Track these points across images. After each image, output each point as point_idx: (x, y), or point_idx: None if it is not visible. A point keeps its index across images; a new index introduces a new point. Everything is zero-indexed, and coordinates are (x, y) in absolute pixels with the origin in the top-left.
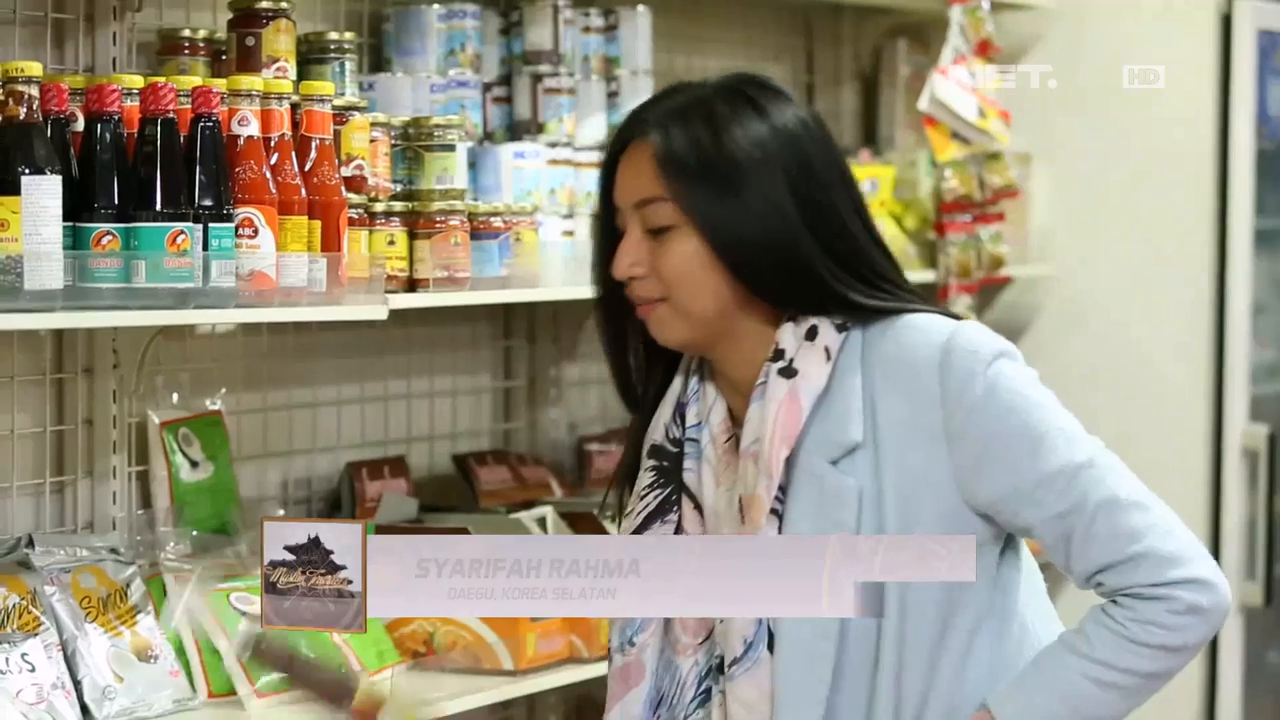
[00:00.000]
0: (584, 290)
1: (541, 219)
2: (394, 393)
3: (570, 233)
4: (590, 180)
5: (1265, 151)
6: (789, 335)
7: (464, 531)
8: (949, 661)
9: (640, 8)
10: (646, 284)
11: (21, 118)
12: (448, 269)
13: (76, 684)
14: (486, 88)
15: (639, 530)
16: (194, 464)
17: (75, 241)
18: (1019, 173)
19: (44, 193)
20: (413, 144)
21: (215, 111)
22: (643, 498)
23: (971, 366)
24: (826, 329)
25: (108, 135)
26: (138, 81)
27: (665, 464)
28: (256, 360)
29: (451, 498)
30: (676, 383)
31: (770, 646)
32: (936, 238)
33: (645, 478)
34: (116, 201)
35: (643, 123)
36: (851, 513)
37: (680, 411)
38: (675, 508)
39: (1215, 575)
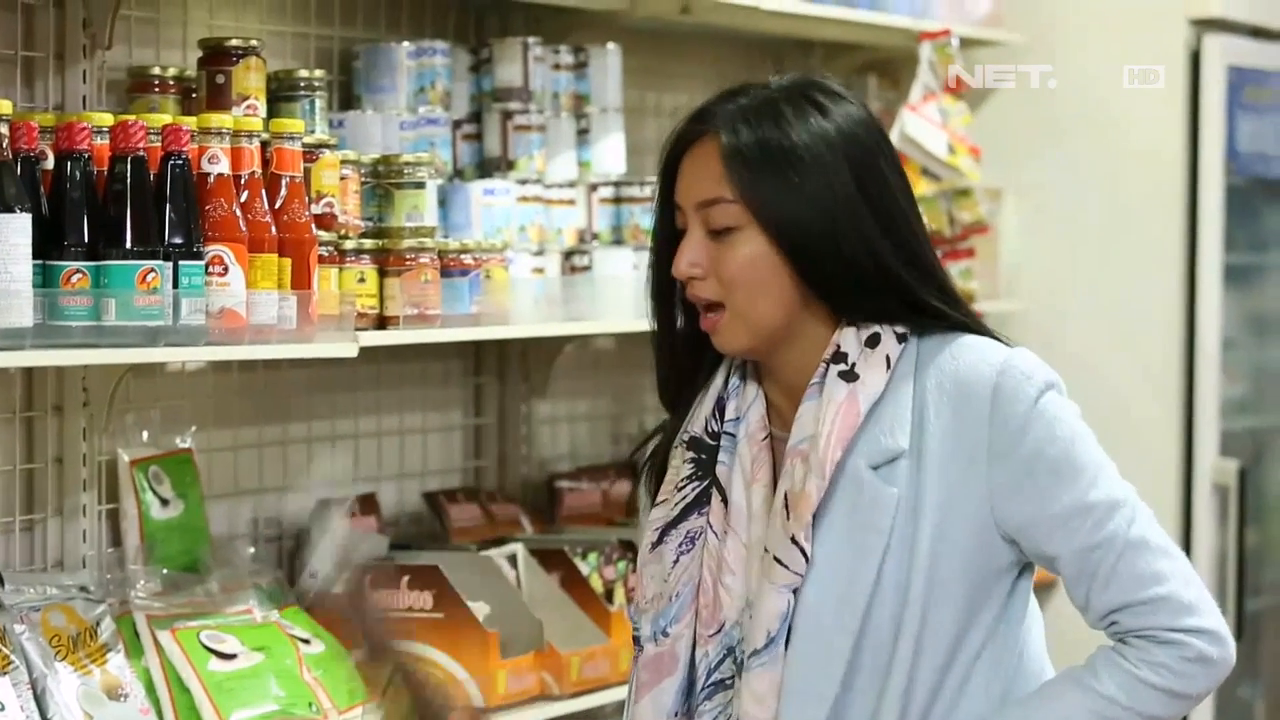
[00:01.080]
0: (554, 328)
1: (512, 256)
2: (364, 430)
3: (540, 270)
4: (560, 217)
5: (1235, 187)
6: (851, 339)
7: (435, 569)
8: (953, 683)
9: (610, 45)
10: (706, 285)
11: None
12: (418, 306)
13: None
14: (456, 125)
15: (676, 520)
16: (164, 502)
17: (45, 279)
18: (989, 209)
19: (13, 230)
20: (383, 181)
21: (185, 149)
22: (680, 489)
23: (1024, 390)
24: (889, 337)
25: (78, 173)
26: (108, 119)
27: (703, 456)
28: (227, 398)
29: (422, 535)
30: (719, 378)
31: (789, 643)
32: None
33: (685, 469)
34: (86, 239)
35: (709, 121)
36: (887, 519)
37: (720, 406)
38: (709, 500)
39: (1226, 632)
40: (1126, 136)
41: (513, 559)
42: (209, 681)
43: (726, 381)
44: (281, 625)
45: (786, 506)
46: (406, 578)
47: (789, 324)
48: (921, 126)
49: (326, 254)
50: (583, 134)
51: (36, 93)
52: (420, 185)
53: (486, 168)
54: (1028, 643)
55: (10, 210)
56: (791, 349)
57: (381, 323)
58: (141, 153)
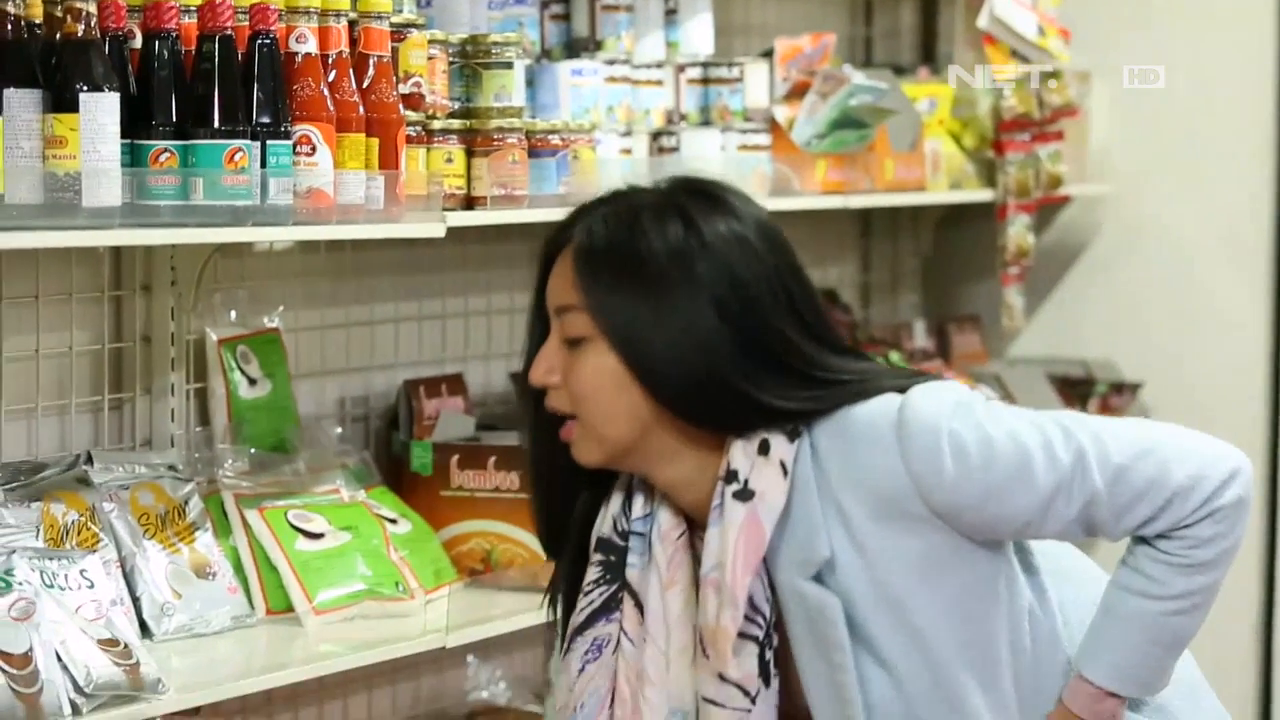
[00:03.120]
0: None
1: (599, 137)
2: (451, 311)
3: (628, 151)
4: (648, 98)
5: None
6: (740, 453)
7: (521, 450)
8: (1010, 656)
9: None
10: (559, 395)
11: (80, 35)
12: (505, 187)
13: (135, 600)
14: (544, 5)
15: (582, 627)
16: (252, 381)
17: (133, 159)
18: (1078, 91)
19: (102, 110)
20: (470, 61)
21: (273, 29)
22: (587, 594)
23: (935, 444)
24: (778, 441)
25: (165, 52)
26: None
27: (612, 558)
28: (314, 278)
29: (509, 416)
30: (623, 476)
31: None
32: (995, 157)
33: (592, 572)
34: (174, 119)
35: (576, 222)
36: (839, 630)
37: (628, 502)
38: (619, 606)
39: (1234, 461)
40: (1217, 18)
41: None
42: (296, 560)
43: (631, 478)
44: (368, 505)
45: (703, 643)
46: (493, 458)
47: (653, 441)
48: (1011, 8)
49: (414, 134)
50: (670, 14)
51: None
52: (508, 65)
53: (574, 48)
54: (1035, 575)
55: (99, 89)
56: (671, 468)
57: (469, 203)
58: (229, 32)
